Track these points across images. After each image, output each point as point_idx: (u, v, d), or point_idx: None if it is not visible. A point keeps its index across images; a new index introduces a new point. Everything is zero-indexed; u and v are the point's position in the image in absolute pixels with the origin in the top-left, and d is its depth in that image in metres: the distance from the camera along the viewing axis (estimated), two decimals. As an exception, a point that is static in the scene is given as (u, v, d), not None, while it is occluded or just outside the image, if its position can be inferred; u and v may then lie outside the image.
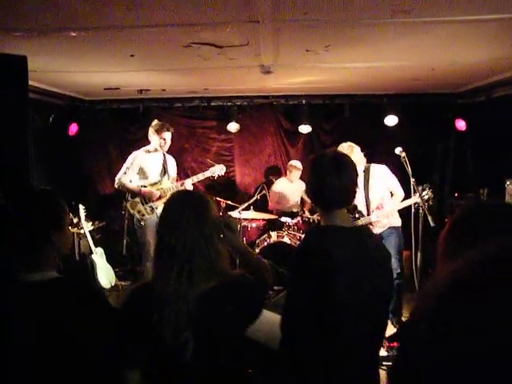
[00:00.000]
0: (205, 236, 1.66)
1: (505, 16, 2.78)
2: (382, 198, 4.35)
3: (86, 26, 2.91)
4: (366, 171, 4.34)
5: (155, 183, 5.01)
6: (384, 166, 4.36)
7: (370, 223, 4.21)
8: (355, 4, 2.54)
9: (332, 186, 1.84)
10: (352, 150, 4.17)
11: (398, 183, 4.36)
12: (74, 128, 6.33)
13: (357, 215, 4.27)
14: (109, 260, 5.63)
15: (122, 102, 6.46)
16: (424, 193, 4.02)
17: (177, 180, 5.28)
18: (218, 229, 1.75)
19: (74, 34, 3.06)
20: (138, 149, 5.13)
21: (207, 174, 5.22)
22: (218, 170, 5.26)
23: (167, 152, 5.18)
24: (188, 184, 5.07)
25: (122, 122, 6.73)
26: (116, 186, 5.01)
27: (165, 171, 5.10)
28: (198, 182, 5.41)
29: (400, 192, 4.34)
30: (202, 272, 1.63)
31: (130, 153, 5.17)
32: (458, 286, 0.55)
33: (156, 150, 5.05)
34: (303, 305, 1.82)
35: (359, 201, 4.27)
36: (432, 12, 2.70)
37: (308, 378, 1.85)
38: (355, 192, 1.93)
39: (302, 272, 1.85)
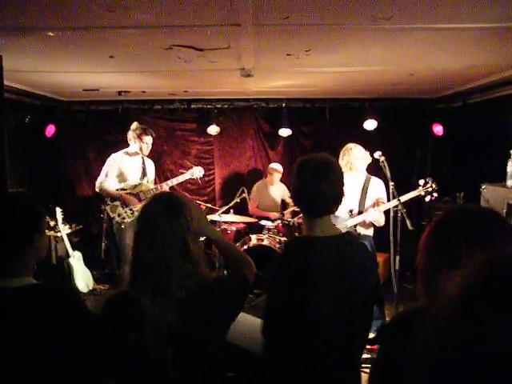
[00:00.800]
0: (180, 247, 1.62)
1: (482, 26, 2.84)
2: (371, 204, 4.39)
3: (63, 25, 2.86)
4: (367, 181, 4.34)
5: (135, 186, 4.97)
6: (381, 181, 4.37)
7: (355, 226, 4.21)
8: (336, 9, 2.56)
9: (314, 193, 1.83)
10: (351, 152, 4.24)
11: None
12: (51, 129, 6.22)
13: (349, 213, 4.23)
14: (86, 263, 5.54)
15: (101, 103, 6.38)
16: (428, 185, 4.08)
17: (155, 183, 5.24)
18: (189, 226, 1.69)
19: (51, 34, 3.00)
20: (117, 151, 5.07)
21: (186, 176, 5.21)
22: (197, 172, 5.25)
23: (151, 154, 5.15)
24: (165, 187, 5.06)
25: (101, 123, 6.64)
26: (97, 190, 4.96)
27: (144, 174, 5.07)
28: (178, 184, 5.38)
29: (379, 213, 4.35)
30: (179, 283, 1.60)
31: (109, 155, 5.11)
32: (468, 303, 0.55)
33: (136, 154, 5.02)
34: (283, 314, 1.83)
35: (354, 206, 4.26)
36: (412, 19, 2.74)
37: (289, 381, 1.85)
38: (337, 201, 1.90)
39: (281, 283, 1.85)
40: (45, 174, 6.31)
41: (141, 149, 4.98)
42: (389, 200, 4.16)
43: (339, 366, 1.83)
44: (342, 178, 1.91)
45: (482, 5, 2.49)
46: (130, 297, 1.61)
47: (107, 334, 1.60)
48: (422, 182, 4.17)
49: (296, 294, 1.79)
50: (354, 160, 4.25)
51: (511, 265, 0.56)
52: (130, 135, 5.01)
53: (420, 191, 4.12)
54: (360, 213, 4.21)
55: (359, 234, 4.21)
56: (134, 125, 5.06)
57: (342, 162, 4.24)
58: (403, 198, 4.08)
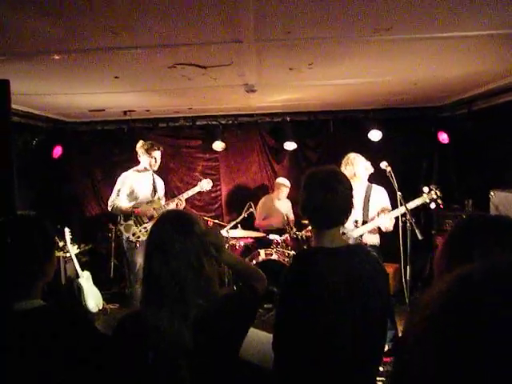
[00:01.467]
0: (193, 264, 1.61)
1: (483, 33, 2.85)
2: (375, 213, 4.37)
3: (69, 48, 2.91)
4: (368, 189, 4.32)
5: (147, 203, 4.99)
6: (383, 189, 4.35)
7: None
8: (337, 22, 2.58)
9: (322, 205, 1.84)
10: (355, 161, 4.25)
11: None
12: (58, 151, 6.27)
13: (354, 224, 4.22)
14: (96, 283, 5.54)
15: (106, 123, 6.44)
16: (432, 192, 4.06)
17: (165, 200, 5.25)
18: (206, 249, 1.69)
19: (57, 57, 3.05)
20: (123, 170, 5.10)
21: (196, 189, 5.31)
22: (206, 185, 5.37)
23: (155, 172, 5.18)
24: (182, 200, 5.10)
25: (107, 143, 6.69)
26: (109, 209, 4.96)
27: (155, 190, 5.10)
28: (185, 199, 5.39)
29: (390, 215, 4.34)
30: (193, 301, 1.59)
31: (116, 174, 5.15)
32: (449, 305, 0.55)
33: (145, 170, 5.05)
34: (292, 325, 1.82)
35: (358, 216, 4.24)
36: (412, 29, 2.75)
37: None
38: (346, 212, 1.90)
39: (290, 295, 1.85)
40: (52, 195, 6.35)
41: (150, 164, 5.01)
42: (393, 206, 4.14)
43: (353, 379, 1.80)
44: (351, 189, 1.92)
45: (481, 12, 2.49)
46: (144, 316, 1.60)
47: (123, 355, 1.59)
48: (426, 189, 4.15)
49: (305, 306, 1.77)
50: (358, 169, 4.25)
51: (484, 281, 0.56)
52: (139, 152, 5.05)
53: (425, 198, 4.10)
54: (364, 222, 4.18)
55: (365, 244, 4.18)
56: (140, 143, 5.09)
57: (345, 171, 4.21)
58: (408, 206, 4.06)
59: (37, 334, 1.45)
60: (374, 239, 4.27)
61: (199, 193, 6.36)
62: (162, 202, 5.11)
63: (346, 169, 4.29)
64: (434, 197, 4.10)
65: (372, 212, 4.26)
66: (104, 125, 6.47)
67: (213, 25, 2.54)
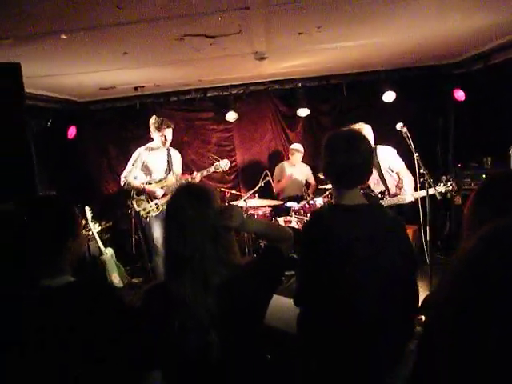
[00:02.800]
0: (211, 235, 1.64)
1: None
2: (391, 176, 4.44)
3: (75, 27, 2.89)
4: (374, 152, 4.35)
5: (160, 180, 5.02)
6: (389, 147, 4.35)
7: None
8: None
9: (341, 165, 1.85)
10: (363, 130, 4.23)
11: (404, 167, 4.37)
12: (72, 131, 6.31)
13: (379, 195, 4.31)
14: (119, 259, 5.66)
15: (117, 100, 6.44)
16: (449, 184, 4.03)
17: (182, 175, 5.27)
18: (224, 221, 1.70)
19: (64, 37, 3.04)
20: (138, 146, 5.12)
21: (212, 169, 5.25)
22: (223, 165, 5.28)
23: (172, 146, 5.18)
24: (197, 178, 5.08)
25: (119, 120, 6.70)
26: (122, 185, 5.03)
27: (169, 168, 5.10)
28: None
29: (408, 177, 4.39)
30: (215, 270, 1.62)
31: (130, 150, 5.18)
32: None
33: (159, 147, 5.05)
34: (314, 280, 1.87)
35: (374, 179, 4.30)
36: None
37: (328, 354, 1.86)
38: (368, 171, 1.92)
39: (311, 250, 1.89)
40: (70, 175, 6.43)
41: (161, 141, 5.00)
42: (410, 168, 4.12)
43: (381, 337, 1.81)
44: (371, 151, 1.93)
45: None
46: (169, 286, 1.64)
47: (148, 323, 1.64)
48: (444, 178, 4.08)
49: (326, 260, 1.81)
50: (371, 138, 4.25)
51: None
52: (151, 129, 5.04)
53: (441, 188, 4.05)
54: (386, 188, 4.21)
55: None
56: (153, 118, 5.09)
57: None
58: (417, 195, 4.09)
59: (65, 310, 1.50)
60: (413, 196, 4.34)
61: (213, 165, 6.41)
62: (176, 180, 5.10)
63: None
64: (450, 188, 4.04)
65: (386, 175, 4.31)
66: (115, 102, 6.47)
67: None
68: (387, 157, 4.44)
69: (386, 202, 4.20)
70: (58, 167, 6.09)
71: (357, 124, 4.32)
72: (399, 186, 4.47)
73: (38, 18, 2.63)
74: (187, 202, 1.67)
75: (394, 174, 4.55)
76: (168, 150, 5.12)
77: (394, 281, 1.78)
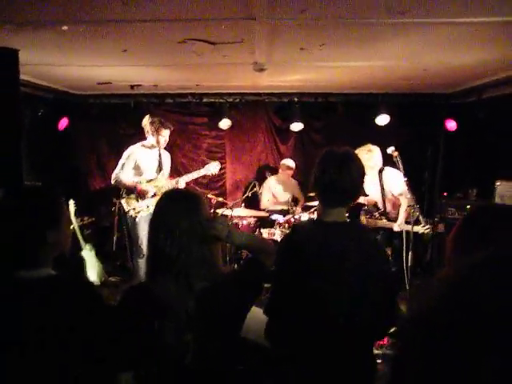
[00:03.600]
0: (198, 239, 1.65)
1: (497, 19, 2.80)
2: (393, 196, 4.64)
3: (78, 19, 2.87)
4: (380, 172, 4.58)
5: (151, 180, 4.97)
6: (395, 171, 4.45)
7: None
8: (352, 3, 2.54)
9: (329, 184, 1.87)
10: (370, 152, 4.50)
11: (405, 193, 4.46)
12: (64, 122, 6.25)
13: (377, 214, 4.51)
14: (98, 256, 5.59)
15: (113, 96, 6.39)
16: (427, 226, 4.15)
17: (170, 177, 5.24)
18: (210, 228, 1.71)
19: (65, 28, 3.02)
20: (129, 144, 5.08)
21: (202, 171, 5.20)
22: (213, 168, 5.24)
23: (170, 150, 5.16)
24: (182, 182, 5.06)
25: (113, 116, 6.66)
26: (113, 182, 4.97)
27: (160, 168, 5.06)
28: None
29: (404, 204, 4.55)
30: (199, 274, 1.63)
31: (121, 148, 5.14)
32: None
33: (153, 147, 5.00)
34: (286, 290, 1.89)
35: (377, 199, 4.58)
36: (427, 13, 2.71)
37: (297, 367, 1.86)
38: (355, 194, 1.94)
39: (281, 262, 1.92)
40: (57, 167, 6.35)
41: (158, 142, 4.94)
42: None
43: (348, 349, 1.82)
44: (362, 173, 1.93)
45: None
46: (149, 288, 1.64)
47: (126, 322, 1.62)
48: (425, 219, 4.19)
49: (295, 271, 1.83)
50: (379, 160, 4.55)
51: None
52: (148, 128, 4.96)
53: (420, 229, 4.17)
54: (385, 208, 4.50)
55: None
56: (147, 118, 5.06)
57: (372, 161, 4.46)
58: (402, 227, 4.31)
59: (41, 303, 1.47)
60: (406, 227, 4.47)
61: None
62: (166, 181, 5.07)
63: (373, 158, 4.52)
64: (427, 231, 4.15)
65: (388, 196, 4.51)
66: (111, 98, 6.42)
67: (226, 0, 2.50)
68: (390, 179, 4.54)
69: (380, 223, 4.36)
70: (46, 158, 6.01)
71: (366, 146, 4.44)
72: (396, 208, 4.62)
73: (41, 6, 2.60)
74: (178, 207, 1.69)
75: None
76: (159, 150, 5.08)
77: (362, 299, 1.79)
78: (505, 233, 1.11)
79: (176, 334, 1.57)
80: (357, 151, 4.28)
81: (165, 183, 4.98)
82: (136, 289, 1.73)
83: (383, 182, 4.56)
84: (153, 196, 4.86)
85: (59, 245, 1.63)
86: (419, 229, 4.17)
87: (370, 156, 4.48)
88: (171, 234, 1.63)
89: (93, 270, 5.34)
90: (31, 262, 1.53)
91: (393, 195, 4.64)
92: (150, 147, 5.01)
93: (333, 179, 1.85)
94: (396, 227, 4.44)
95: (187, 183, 5.21)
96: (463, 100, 6.00)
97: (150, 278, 1.69)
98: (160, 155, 5.08)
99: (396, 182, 4.50)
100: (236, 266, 5.39)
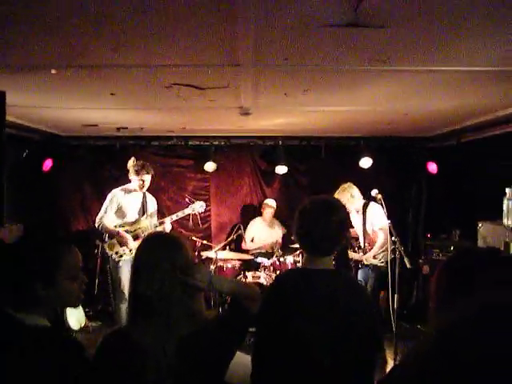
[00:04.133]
0: (180, 285, 1.62)
1: (476, 69, 2.93)
2: (374, 232, 4.75)
3: (67, 63, 2.92)
4: (365, 206, 4.75)
5: (133, 223, 4.94)
6: (379, 206, 4.55)
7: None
8: (334, 52, 2.63)
9: (311, 233, 1.88)
10: (352, 198, 4.71)
11: (383, 227, 4.53)
12: (48, 163, 6.23)
13: (356, 247, 4.65)
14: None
15: (99, 138, 6.41)
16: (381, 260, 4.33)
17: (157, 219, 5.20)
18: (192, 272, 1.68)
19: (54, 72, 3.06)
20: (114, 186, 5.08)
21: (187, 211, 5.22)
22: (198, 207, 5.27)
23: (147, 190, 5.13)
24: (167, 223, 5.05)
25: (98, 158, 6.66)
26: (96, 226, 4.93)
27: (144, 211, 5.03)
28: (174, 221, 5.35)
29: (380, 238, 4.67)
30: (180, 320, 1.60)
31: (106, 190, 5.13)
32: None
33: (135, 190, 5.00)
34: (266, 343, 1.89)
35: (359, 233, 4.77)
36: (408, 61, 2.82)
37: None
38: (337, 243, 1.93)
39: (264, 312, 1.88)
40: (41, 208, 6.28)
41: (138, 186, 4.95)
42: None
43: None
44: (343, 222, 1.94)
45: (474, 49, 2.57)
46: (129, 334, 1.59)
47: (104, 372, 1.55)
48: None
49: (276, 322, 1.83)
50: (360, 199, 4.80)
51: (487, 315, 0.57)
52: (130, 171, 4.99)
53: (382, 263, 4.50)
54: (364, 238, 4.72)
55: (365, 264, 4.68)
56: (131, 161, 5.08)
57: (355, 198, 4.68)
58: (369, 260, 4.58)
59: (20, 353, 1.41)
60: (373, 260, 4.68)
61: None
62: (153, 221, 5.07)
63: (355, 195, 4.71)
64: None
65: (368, 228, 4.62)
66: (96, 140, 6.44)
67: (212, 48, 2.57)
68: (373, 214, 4.66)
69: (353, 254, 4.58)
70: (29, 199, 5.95)
71: (346, 184, 4.57)
72: (372, 245, 4.71)
73: (31, 51, 2.64)
74: (157, 249, 1.67)
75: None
76: (144, 193, 5.08)
77: (348, 350, 1.76)
78: (486, 276, 1.12)
79: (156, 381, 1.52)
80: (339, 197, 4.43)
81: (148, 225, 4.95)
82: (115, 335, 1.67)
83: (366, 216, 4.66)
84: (136, 239, 4.81)
85: (53, 302, 1.53)
86: (376, 262, 4.51)
87: (352, 201, 4.64)
88: (152, 277, 1.59)
89: (72, 315, 5.19)
90: (20, 306, 1.46)
91: (373, 230, 4.72)
92: (133, 190, 5.00)
93: (313, 230, 1.86)
94: (363, 258, 4.67)
95: (172, 224, 5.19)
96: (443, 143, 6.17)
97: (130, 322, 1.65)
98: (144, 198, 5.07)
99: (379, 216, 4.60)
100: (220, 309, 5.29)
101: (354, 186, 4.75)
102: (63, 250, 1.56)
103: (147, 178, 4.97)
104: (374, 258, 4.66)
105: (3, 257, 1.49)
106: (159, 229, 4.99)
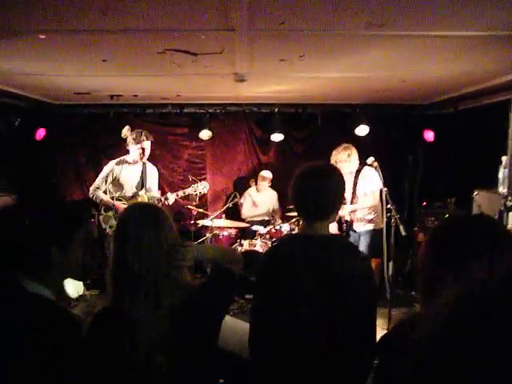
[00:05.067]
0: (166, 256, 1.61)
1: (473, 34, 2.87)
2: (365, 196, 4.76)
3: (56, 28, 2.83)
4: (358, 171, 4.74)
5: (131, 197, 4.81)
6: (372, 171, 4.54)
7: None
8: (331, 16, 2.56)
9: (307, 199, 1.87)
10: (349, 158, 4.63)
11: (373, 192, 4.55)
12: (41, 132, 6.14)
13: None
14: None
15: (93, 106, 6.32)
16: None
17: (160, 192, 5.06)
18: (178, 242, 1.70)
19: (42, 37, 2.97)
20: (108, 154, 5.02)
21: (188, 190, 5.06)
22: (201, 188, 5.11)
23: (150, 161, 4.98)
24: (171, 198, 4.89)
25: (92, 127, 6.57)
26: (90, 196, 4.84)
27: (142, 184, 4.88)
28: (171, 189, 5.33)
29: (367, 200, 4.69)
30: (168, 291, 1.59)
31: (100, 158, 5.07)
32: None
33: (134, 162, 4.83)
34: (263, 310, 1.90)
35: (347, 194, 4.66)
36: (405, 26, 2.76)
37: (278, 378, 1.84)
38: (334, 207, 1.93)
39: (261, 278, 1.94)
40: (34, 177, 6.23)
41: (139, 155, 4.76)
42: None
43: (329, 368, 1.80)
44: (340, 187, 1.93)
45: (472, 14, 2.51)
46: (119, 309, 1.58)
47: (96, 349, 1.54)
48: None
49: (273, 289, 1.84)
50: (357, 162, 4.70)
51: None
52: (128, 141, 4.79)
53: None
54: (351, 200, 4.66)
55: (354, 230, 4.71)
56: (126, 129, 5.00)
57: (352, 159, 4.61)
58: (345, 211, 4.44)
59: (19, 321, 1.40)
60: (362, 227, 4.69)
61: (184, 181, 6.34)
62: (153, 194, 4.92)
63: (341, 152, 4.63)
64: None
65: (358, 191, 4.64)
66: (90, 108, 6.35)
67: (206, 11, 2.50)
68: (367, 178, 4.69)
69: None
70: (22, 169, 5.90)
71: (347, 144, 4.55)
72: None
73: (18, 13, 2.56)
74: (143, 222, 1.64)
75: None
76: (144, 164, 4.90)
77: (346, 314, 1.77)
78: (472, 245, 1.12)
79: (147, 355, 1.52)
80: (336, 153, 4.38)
81: (146, 200, 4.80)
82: (104, 313, 1.66)
83: (359, 179, 4.64)
84: None
85: (66, 266, 1.51)
86: (367, 228, 4.61)
87: (348, 161, 4.62)
88: (139, 252, 1.57)
89: (70, 284, 5.23)
90: (30, 271, 1.44)
91: (364, 194, 4.73)
92: (132, 162, 4.84)
93: (308, 195, 1.86)
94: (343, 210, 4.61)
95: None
96: (440, 111, 6.12)
97: (118, 297, 1.61)
98: (143, 171, 4.90)
99: (373, 181, 4.60)
100: (201, 276, 5.34)
101: (354, 148, 4.66)
102: (84, 217, 1.60)
103: (147, 146, 4.77)
104: (359, 220, 4.70)
105: (20, 218, 1.46)
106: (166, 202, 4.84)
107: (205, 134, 6.32)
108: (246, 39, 3.03)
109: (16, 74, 4.22)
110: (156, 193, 5.01)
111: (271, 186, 6.37)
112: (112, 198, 4.79)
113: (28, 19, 2.66)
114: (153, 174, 5.05)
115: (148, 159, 4.96)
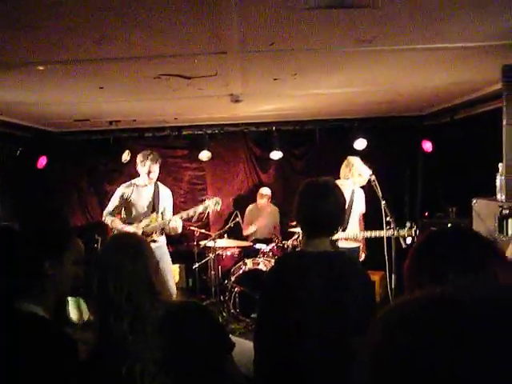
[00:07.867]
0: (147, 286, 1.62)
1: (464, 45, 2.90)
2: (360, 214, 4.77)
3: (53, 59, 2.90)
4: (352, 194, 4.67)
5: (141, 220, 4.72)
6: (361, 192, 4.55)
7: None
8: (318, 34, 2.61)
9: (310, 215, 1.90)
10: (350, 164, 4.62)
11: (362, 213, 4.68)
12: (43, 161, 6.21)
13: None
14: (81, 294, 5.44)
15: (92, 133, 6.39)
16: (413, 230, 4.29)
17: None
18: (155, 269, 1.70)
19: (41, 68, 3.04)
20: (109, 179, 5.06)
21: (199, 209, 4.81)
22: (213, 205, 4.83)
23: (162, 184, 4.92)
24: (178, 220, 4.72)
25: (93, 153, 6.64)
26: (103, 220, 4.81)
27: (154, 206, 4.78)
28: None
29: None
30: (150, 314, 1.59)
31: (102, 184, 5.10)
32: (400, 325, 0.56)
33: (145, 185, 4.77)
34: (265, 326, 1.92)
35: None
36: (394, 41, 2.80)
37: None
38: (337, 224, 1.96)
39: (265, 294, 1.97)
40: (37, 205, 6.27)
41: (147, 176, 4.68)
42: (377, 215, 4.28)
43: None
44: (341, 204, 1.96)
45: (462, 25, 2.54)
46: (109, 340, 1.58)
47: (99, 375, 1.56)
48: (408, 224, 4.32)
49: (275, 305, 1.85)
50: (358, 168, 4.61)
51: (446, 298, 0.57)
52: (137, 163, 4.72)
53: (405, 232, 4.26)
54: (344, 229, 4.35)
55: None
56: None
57: (353, 174, 4.56)
58: (388, 233, 4.22)
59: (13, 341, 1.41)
60: (352, 244, 4.62)
61: (185, 202, 6.36)
62: (166, 216, 4.80)
63: (346, 170, 4.60)
64: (413, 235, 4.26)
65: (354, 217, 4.49)
66: (90, 135, 6.42)
67: (197, 37, 2.55)
68: (363, 199, 4.66)
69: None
70: (24, 197, 5.94)
71: (351, 157, 4.53)
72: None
73: (17, 46, 2.63)
74: (123, 256, 1.64)
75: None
76: (156, 186, 4.83)
77: (344, 330, 1.76)
78: (443, 252, 1.15)
79: (148, 376, 1.51)
80: (342, 169, 4.35)
81: (160, 222, 4.71)
82: (99, 342, 1.65)
83: (353, 200, 4.63)
84: (147, 236, 4.56)
85: (58, 284, 1.54)
86: (403, 232, 4.34)
87: (349, 176, 4.62)
88: (120, 285, 1.57)
89: (74, 309, 5.20)
90: (24, 292, 1.46)
91: (360, 215, 4.79)
92: (142, 185, 4.78)
93: (311, 212, 1.89)
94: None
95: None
96: (437, 121, 6.14)
97: (103, 336, 1.61)
98: (156, 193, 4.82)
99: (362, 202, 4.69)
100: (221, 297, 5.33)
101: (355, 162, 4.59)
102: (73, 233, 1.66)
103: (153, 168, 4.66)
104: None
105: (13, 239, 1.48)
106: (171, 224, 4.67)
107: (204, 155, 6.36)
108: (238, 61, 3.08)
109: (15, 105, 4.29)
110: (170, 215, 4.84)
111: (273, 204, 6.39)
112: (124, 222, 4.75)
113: (26, 53, 2.73)
114: (165, 196, 4.94)
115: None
